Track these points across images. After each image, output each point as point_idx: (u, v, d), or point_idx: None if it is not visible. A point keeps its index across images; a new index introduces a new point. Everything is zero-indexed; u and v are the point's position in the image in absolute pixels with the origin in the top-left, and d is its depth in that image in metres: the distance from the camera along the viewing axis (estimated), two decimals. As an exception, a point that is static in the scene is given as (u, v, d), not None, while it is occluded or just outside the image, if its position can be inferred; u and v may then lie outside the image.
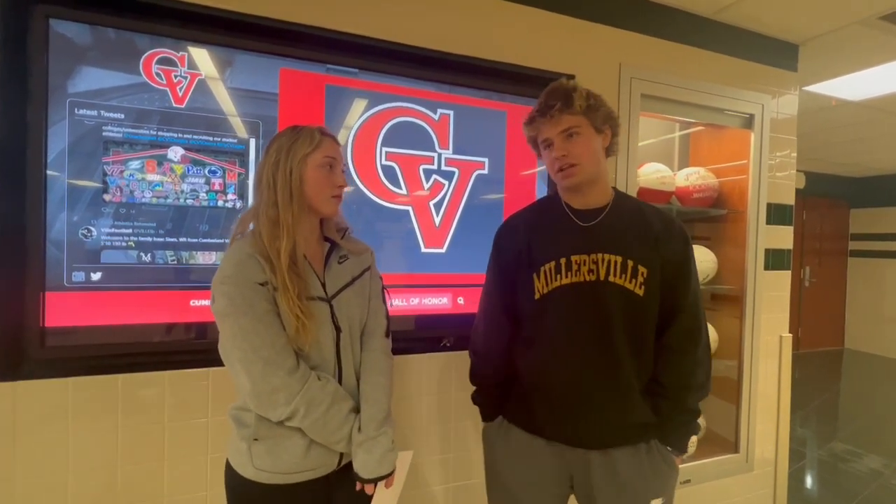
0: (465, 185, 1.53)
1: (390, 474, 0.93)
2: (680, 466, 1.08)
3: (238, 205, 1.27)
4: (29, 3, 1.09)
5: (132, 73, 1.17)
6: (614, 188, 1.09)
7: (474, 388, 1.17)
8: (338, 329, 0.94)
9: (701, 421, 1.07)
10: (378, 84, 1.42)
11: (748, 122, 2.00)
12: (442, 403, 1.52)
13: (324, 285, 0.95)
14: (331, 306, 0.94)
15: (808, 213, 5.64)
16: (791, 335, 2.11)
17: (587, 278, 0.99)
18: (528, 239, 1.05)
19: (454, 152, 1.51)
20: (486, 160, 1.56)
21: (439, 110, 1.49)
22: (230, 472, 0.92)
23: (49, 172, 1.11)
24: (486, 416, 1.16)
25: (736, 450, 2.00)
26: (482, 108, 1.55)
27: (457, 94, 1.51)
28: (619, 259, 0.98)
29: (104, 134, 1.15)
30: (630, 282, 0.98)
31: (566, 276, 0.99)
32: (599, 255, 0.99)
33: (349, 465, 0.93)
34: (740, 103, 1.95)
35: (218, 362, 1.25)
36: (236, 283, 0.84)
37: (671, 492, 1.06)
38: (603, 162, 1.04)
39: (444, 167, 1.50)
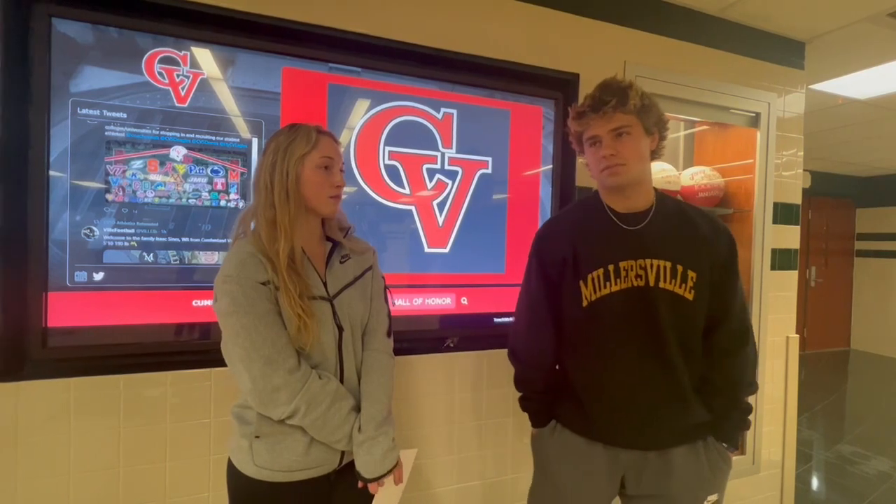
0: (469, 185, 1.52)
1: (394, 468, 0.92)
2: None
3: (240, 204, 1.26)
4: (31, 2, 1.09)
5: (134, 73, 1.17)
6: (656, 189, 1.07)
7: (520, 394, 1.15)
8: (340, 328, 0.93)
9: (750, 418, 1.09)
10: (381, 83, 1.41)
11: (754, 120, 1.98)
12: (446, 404, 1.50)
13: (325, 285, 0.94)
14: (332, 306, 0.93)
15: (814, 213, 5.60)
16: (798, 336, 2.08)
17: (635, 284, 0.98)
18: (572, 245, 1.02)
19: (458, 151, 1.50)
20: (489, 159, 1.54)
21: (443, 109, 1.48)
22: (232, 470, 0.92)
23: (51, 172, 1.11)
24: (538, 423, 1.14)
25: (743, 451, 1.98)
26: (486, 107, 1.54)
27: (460, 92, 1.50)
28: (669, 264, 0.97)
29: (106, 133, 1.15)
30: (680, 287, 0.97)
31: (615, 284, 0.98)
32: (648, 261, 0.98)
33: (351, 463, 0.93)
34: (746, 101, 1.93)
35: (220, 363, 1.24)
36: (238, 282, 0.83)
37: (724, 487, 1.07)
38: (648, 164, 1.02)
39: (447, 166, 1.49)
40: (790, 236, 2.07)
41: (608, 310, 0.99)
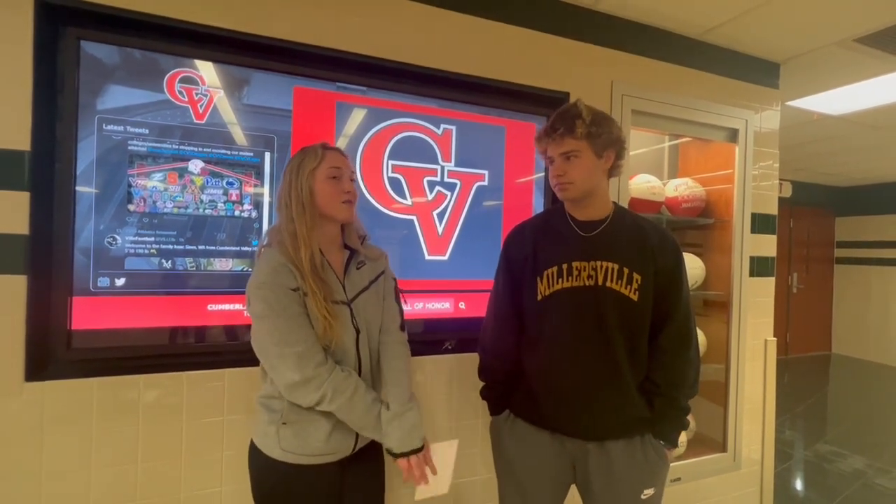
0: (467, 196, 1.62)
1: (421, 449, 1.01)
2: (670, 465, 1.17)
3: (253, 214, 1.35)
4: (61, 26, 1.17)
5: (156, 91, 1.25)
6: (615, 203, 1.18)
7: (482, 383, 1.26)
8: (357, 330, 1.03)
9: (689, 419, 1.16)
10: (385, 101, 1.50)
11: (733, 135, 2.10)
12: (445, 403, 1.59)
13: (344, 290, 1.03)
14: (350, 309, 1.03)
15: (796, 222, 5.80)
16: (775, 339, 2.20)
17: (587, 283, 1.09)
18: (534, 246, 1.15)
19: (456, 165, 1.60)
20: (486, 172, 1.64)
21: (442, 125, 1.58)
22: (255, 452, 1.01)
23: (78, 184, 1.18)
24: (494, 410, 1.25)
25: (724, 449, 2.09)
26: (483, 123, 1.64)
27: (459, 110, 1.60)
28: (616, 266, 1.08)
29: (129, 148, 1.22)
30: (625, 287, 1.08)
31: (567, 280, 1.09)
32: (598, 263, 1.09)
33: (361, 450, 1.03)
34: (725, 118, 2.05)
35: (232, 364, 1.33)
36: (272, 289, 0.93)
37: (662, 483, 1.15)
38: (601, 181, 1.12)
39: (446, 179, 1.59)
40: (767, 245, 2.20)
41: (560, 304, 1.10)
